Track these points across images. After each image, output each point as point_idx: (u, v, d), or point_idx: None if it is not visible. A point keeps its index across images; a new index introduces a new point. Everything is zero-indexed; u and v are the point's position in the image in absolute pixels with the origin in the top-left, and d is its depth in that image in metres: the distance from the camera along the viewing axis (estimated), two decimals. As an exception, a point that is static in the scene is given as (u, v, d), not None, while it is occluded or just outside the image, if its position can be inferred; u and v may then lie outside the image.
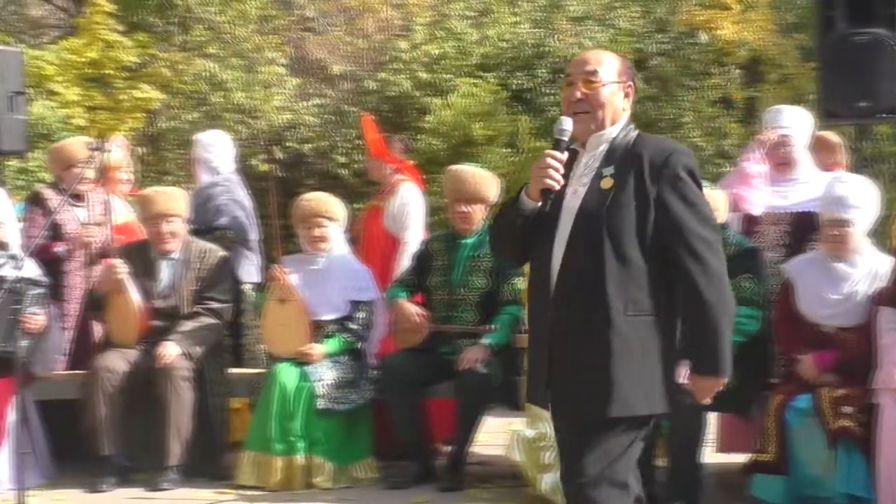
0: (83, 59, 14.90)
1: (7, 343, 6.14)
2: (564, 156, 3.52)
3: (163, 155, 14.72)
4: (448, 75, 13.48)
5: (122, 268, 6.49)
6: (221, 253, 6.79)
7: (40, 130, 13.59)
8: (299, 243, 6.82)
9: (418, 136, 12.26)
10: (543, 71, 13.38)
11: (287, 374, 6.32)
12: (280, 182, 7.64)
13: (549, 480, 5.67)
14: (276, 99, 13.51)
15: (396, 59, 13.91)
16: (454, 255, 6.60)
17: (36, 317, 6.35)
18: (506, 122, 12.37)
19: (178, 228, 6.65)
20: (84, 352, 6.83)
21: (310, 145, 13.28)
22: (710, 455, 6.18)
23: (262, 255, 7.63)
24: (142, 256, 6.68)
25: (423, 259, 6.73)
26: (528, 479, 5.91)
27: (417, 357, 6.47)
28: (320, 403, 6.27)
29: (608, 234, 3.46)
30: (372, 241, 7.49)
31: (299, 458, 6.24)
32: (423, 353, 6.49)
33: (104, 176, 7.20)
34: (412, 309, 6.57)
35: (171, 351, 6.37)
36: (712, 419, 6.09)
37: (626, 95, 3.67)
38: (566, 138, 3.56)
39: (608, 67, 3.63)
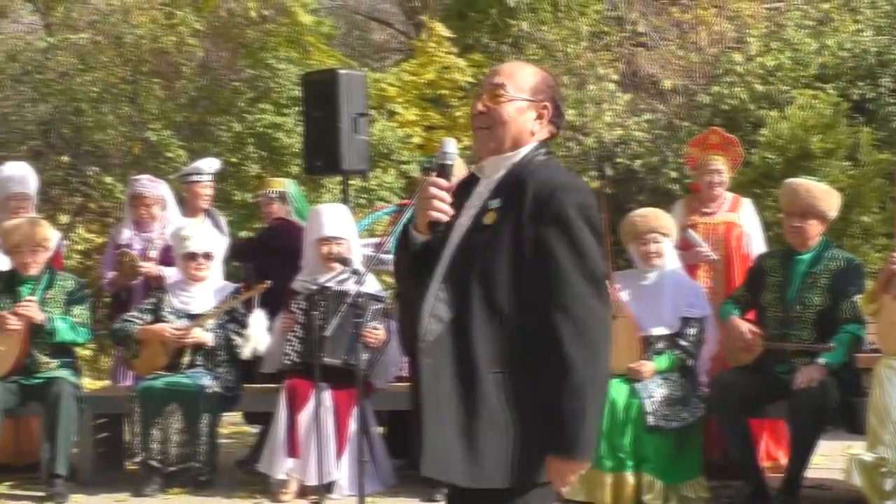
0: (421, 81, 15.46)
1: (349, 356, 6.43)
2: (450, 183, 3.09)
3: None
4: (784, 87, 13.09)
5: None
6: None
7: (381, 150, 14.19)
8: (631, 259, 6.78)
9: (752, 150, 11.94)
10: (887, 80, 12.76)
11: (617, 391, 6.29)
12: (610, 198, 7.62)
13: (892, 509, 5.40)
14: (607, 115, 13.52)
15: (730, 71, 13.63)
16: (790, 272, 6.39)
17: (376, 331, 6.61)
18: (846, 134, 11.86)
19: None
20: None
21: (640, 161, 13.21)
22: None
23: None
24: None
25: (757, 275, 6.55)
26: (870, 506, 5.65)
27: (750, 375, 6.30)
28: (650, 420, 6.21)
29: (479, 275, 2.99)
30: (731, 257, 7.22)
31: (628, 476, 6.20)
32: (757, 372, 6.32)
33: None
34: (745, 326, 6.41)
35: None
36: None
37: (540, 117, 3.16)
38: (450, 162, 3.14)
39: (521, 82, 3.15)
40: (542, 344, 2.95)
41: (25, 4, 15.68)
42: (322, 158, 7.97)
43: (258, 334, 6.92)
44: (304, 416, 6.46)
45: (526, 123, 3.14)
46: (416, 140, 14.99)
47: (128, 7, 16.11)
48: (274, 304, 7.08)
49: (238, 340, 6.93)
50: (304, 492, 6.49)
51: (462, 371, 2.98)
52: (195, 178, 7.98)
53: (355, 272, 6.36)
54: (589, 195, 3.07)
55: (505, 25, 14.93)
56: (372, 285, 6.86)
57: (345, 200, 8.12)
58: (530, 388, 2.97)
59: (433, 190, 3.06)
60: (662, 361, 6.41)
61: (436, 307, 3.03)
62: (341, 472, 6.47)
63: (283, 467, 6.48)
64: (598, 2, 15.75)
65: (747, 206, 7.29)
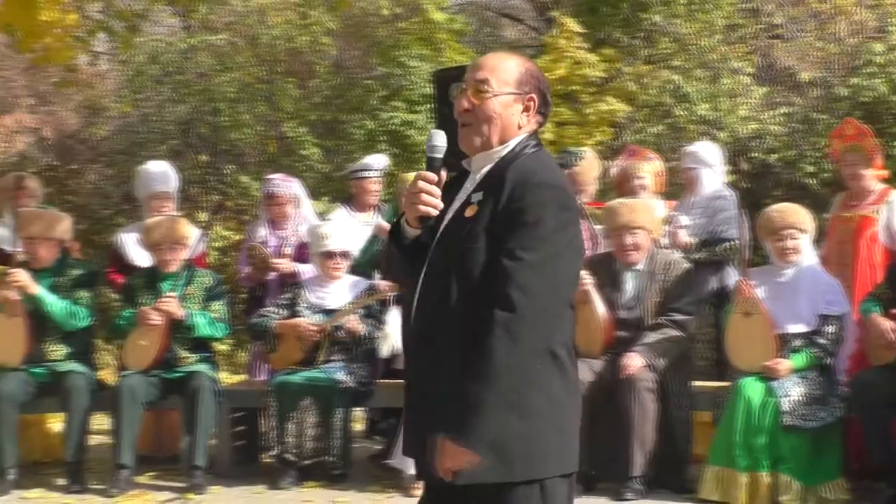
0: (552, 76, 15.41)
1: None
2: (438, 176, 3.05)
3: (628, 168, 14.88)
4: (928, 77, 12.71)
5: (587, 279, 6.62)
6: (686, 265, 6.77)
7: (512, 146, 14.16)
8: (767, 255, 6.66)
9: (894, 143, 11.62)
10: None
11: (752, 389, 6.19)
12: (745, 193, 7.50)
13: None
14: (742, 109, 13.29)
15: (870, 62, 13.28)
16: (934, 269, 6.20)
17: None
18: None
19: (641, 240, 6.68)
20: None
21: (776, 155, 12.95)
22: None
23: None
24: (607, 268, 6.78)
25: (899, 272, 6.38)
26: None
27: (893, 374, 6.13)
28: (787, 420, 6.09)
29: (458, 270, 2.95)
30: (858, 252, 7.04)
31: (764, 476, 6.09)
32: (898, 371, 6.15)
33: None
34: (887, 324, 6.24)
35: (634, 362, 6.42)
36: None
37: (526, 109, 3.12)
38: (438, 155, 3.08)
39: (504, 76, 3.09)
40: (477, 329, 2.88)
41: (165, 7, 16.05)
42: (454, 156, 7.98)
43: (395, 332, 6.98)
44: (437, 412, 6.49)
45: (513, 117, 3.11)
46: (547, 136, 14.95)
47: (264, 8, 16.41)
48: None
49: (376, 337, 7.01)
50: (436, 487, 6.52)
51: (453, 364, 2.92)
52: (364, 174, 8.04)
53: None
54: (564, 192, 3.01)
55: (637, 19, 14.78)
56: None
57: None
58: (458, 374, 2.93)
59: (422, 184, 3.02)
60: (799, 359, 6.29)
61: (422, 302, 3.03)
62: (473, 467, 6.48)
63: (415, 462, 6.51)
64: (733, -7, 15.50)
65: (893, 198, 7.02)
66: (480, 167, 3.12)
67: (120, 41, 10.04)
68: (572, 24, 15.30)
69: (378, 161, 8.24)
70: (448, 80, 8.25)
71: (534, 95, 3.14)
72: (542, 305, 2.89)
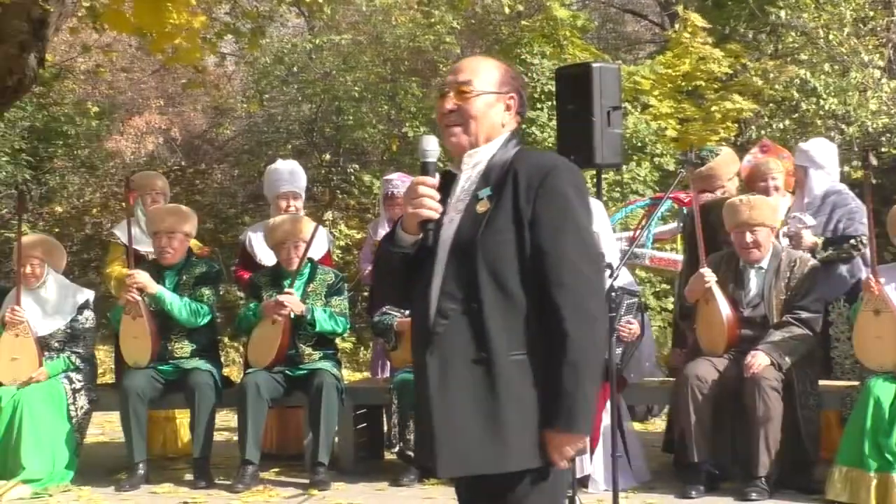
0: (676, 73, 15.25)
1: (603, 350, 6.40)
2: (436, 180, 3.10)
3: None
4: None
5: (710, 276, 6.54)
6: (812, 262, 6.64)
7: (634, 143, 14.09)
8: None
9: None
10: None
11: (882, 389, 6.05)
12: (875, 189, 7.32)
13: None
14: (872, 103, 12.97)
15: None
16: None
17: (630, 325, 6.57)
18: None
19: (762, 238, 6.56)
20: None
21: (908, 149, 12.62)
22: None
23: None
24: (731, 265, 6.69)
25: None
26: None
27: None
28: (918, 420, 5.93)
29: (485, 263, 3.01)
30: None
31: (895, 477, 5.94)
32: None
33: (700, 185, 7.32)
34: None
35: (760, 361, 6.32)
36: None
37: (508, 108, 3.20)
38: (433, 159, 3.13)
39: (486, 77, 3.18)
40: (547, 321, 3.01)
41: (291, 8, 16.29)
42: (576, 152, 7.93)
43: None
44: (558, 410, 6.48)
45: (496, 116, 3.20)
46: (671, 133, 14.81)
47: (388, 8, 16.55)
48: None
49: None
50: (557, 485, 6.51)
51: (479, 360, 3.02)
52: None
53: (608, 266, 6.32)
54: (580, 174, 3.14)
55: (763, 13, 14.54)
56: (625, 279, 6.82)
57: (598, 194, 8.08)
58: (534, 365, 3.03)
59: (422, 189, 3.08)
60: None
61: (441, 303, 3.06)
62: (595, 466, 6.46)
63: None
64: (863, -15, 15.14)
65: None
66: (471, 166, 3.19)
67: (246, 42, 10.23)
68: (697, 20, 15.12)
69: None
70: (570, 77, 8.27)
71: (514, 95, 3.24)
72: (595, 284, 3.07)
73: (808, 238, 6.97)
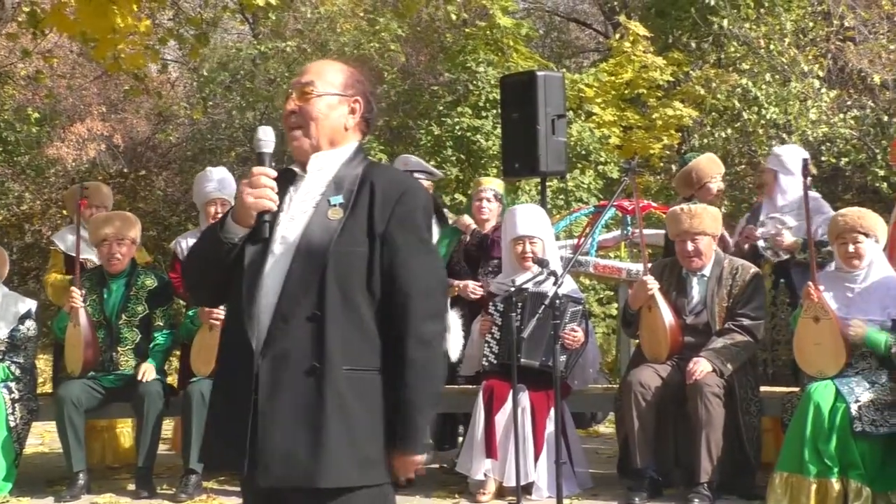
0: (619, 81, 15.37)
1: (547, 358, 6.44)
2: (274, 171, 3.05)
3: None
4: None
5: (653, 284, 6.59)
6: (754, 269, 6.71)
7: (579, 151, 14.16)
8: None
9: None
10: None
11: (821, 395, 6.12)
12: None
13: None
14: (812, 112, 13.15)
15: (943, 64, 13.09)
16: None
17: (574, 332, 6.61)
18: None
19: (703, 246, 6.62)
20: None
21: (846, 159, 12.80)
22: None
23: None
24: (673, 273, 6.75)
25: None
26: None
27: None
28: (857, 426, 6.00)
29: (334, 272, 2.96)
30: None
31: (834, 482, 6.01)
32: None
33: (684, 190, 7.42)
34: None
35: (702, 367, 6.37)
36: None
37: (352, 112, 3.17)
38: (269, 150, 3.08)
39: (329, 78, 3.15)
40: (389, 340, 3.00)
41: (236, 15, 16.23)
42: (520, 160, 7.99)
43: (454, 336, 7.00)
44: (502, 418, 6.50)
45: (339, 119, 3.15)
46: (614, 141, 14.91)
47: (333, 15, 16.53)
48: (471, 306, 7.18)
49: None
50: (501, 492, 6.54)
51: (313, 370, 2.96)
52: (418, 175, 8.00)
53: (553, 273, 6.36)
54: (429, 197, 3.19)
55: (705, 23, 14.69)
56: (569, 286, 6.86)
57: (542, 202, 8.13)
58: (381, 383, 3.01)
59: (261, 179, 3.02)
60: (878, 335, 6.14)
61: (283, 306, 2.98)
62: (539, 473, 6.48)
63: (481, 468, 6.53)
64: (803, -4, 15.35)
65: None
66: (318, 168, 3.13)
67: (190, 48, 10.18)
68: (639, 28, 15.23)
69: (416, 161, 8.18)
70: (515, 85, 8.29)
71: (359, 98, 3.19)
72: (439, 307, 3.07)
73: (788, 238, 7.03)
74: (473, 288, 7.32)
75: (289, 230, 3.04)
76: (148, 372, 7.00)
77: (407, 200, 3.04)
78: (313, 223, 3.03)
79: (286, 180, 3.13)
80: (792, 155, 7.41)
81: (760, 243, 7.05)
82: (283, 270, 3.00)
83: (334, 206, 3.04)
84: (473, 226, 7.67)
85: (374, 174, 3.10)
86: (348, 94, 3.17)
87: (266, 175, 3.03)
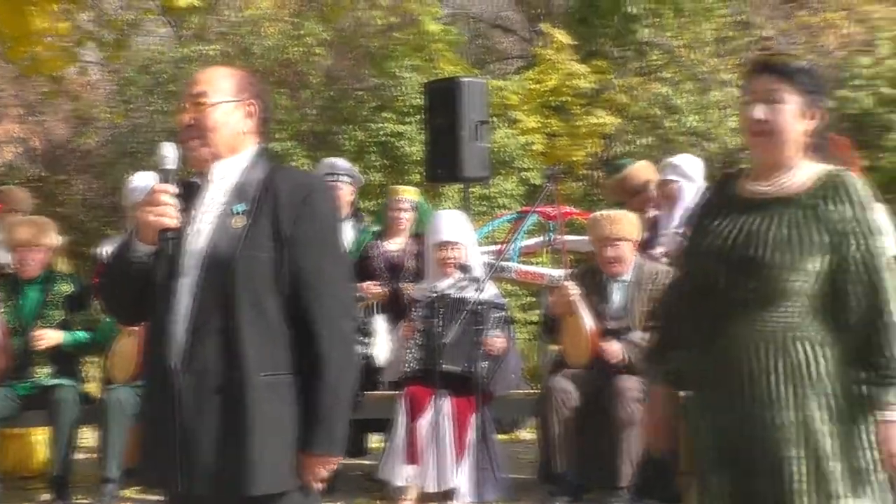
0: (543, 88, 15.45)
1: (469, 363, 6.44)
2: (175, 188, 3.02)
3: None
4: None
5: (574, 290, 6.63)
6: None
7: (502, 157, 14.21)
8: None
9: (881, 154, 11.67)
10: None
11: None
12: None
13: None
14: (731, 121, 13.34)
15: (858, 75, 13.34)
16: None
17: (497, 339, 6.62)
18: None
19: (623, 252, 6.68)
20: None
21: (766, 167, 12.99)
22: None
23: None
24: (594, 278, 6.79)
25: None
26: None
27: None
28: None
29: (242, 280, 2.97)
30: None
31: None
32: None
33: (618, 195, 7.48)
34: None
35: (613, 347, 6.43)
36: None
37: (249, 115, 3.17)
38: (171, 166, 3.06)
39: (220, 86, 3.13)
40: (303, 341, 3.01)
41: (158, 17, 16.06)
42: (443, 166, 8.00)
43: (382, 341, 6.98)
44: (424, 424, 6.50)
45: (237, 125, 3.15)
46: (538, 147, 14.98)
47: (257, 19, 16.42)
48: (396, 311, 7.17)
49: (364, 348, 6.99)
50: (423, 498, 6.52)
51: (231, 379, 2.97)
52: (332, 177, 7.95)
53: (475, 280, 6.37)
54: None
55: (627, 32, 14.83)
56: (491, 292, 6.87)
57: (465, 208, 8.14)
58: (297, 387, 3.02)
59: (162, 196, 3.01)
60: None
61: (196, 319, 2.99)
62: (460, 479, 6.47)
63: (402, 474, 6.52)
64: (723, 7, 15.56)
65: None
66: (220, 177, 3.12)
67: (109, 51, 10.05)
68: (563, 36, 15.32)
69: (343, 164, 8.14)
70: (438, 91, 8.30)
71: (254, 101, 3.19)
72: (350, 306, 3.16)
73: None
74: (369, 285, 7.26)
75: (196, 243, 3.03)
76: (47, 338, 6.86)
77: (312, 202, 3.04)
78: (217, 233, 3.02)
79: (190, 193, 3.11)
80: (691, 163, 7.52)
81: (660, 250, 7.10)
82: (192, 285, 3.00)
83: (237, 214, 3.04)
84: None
85: (277, 178, 3.08)
86: (243, 97, 3.16)
87: (166, 192, 3.00)
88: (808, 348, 3.06)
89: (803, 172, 3.15)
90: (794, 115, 3.11)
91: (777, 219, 3.09)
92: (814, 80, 3.16)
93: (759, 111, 3.10)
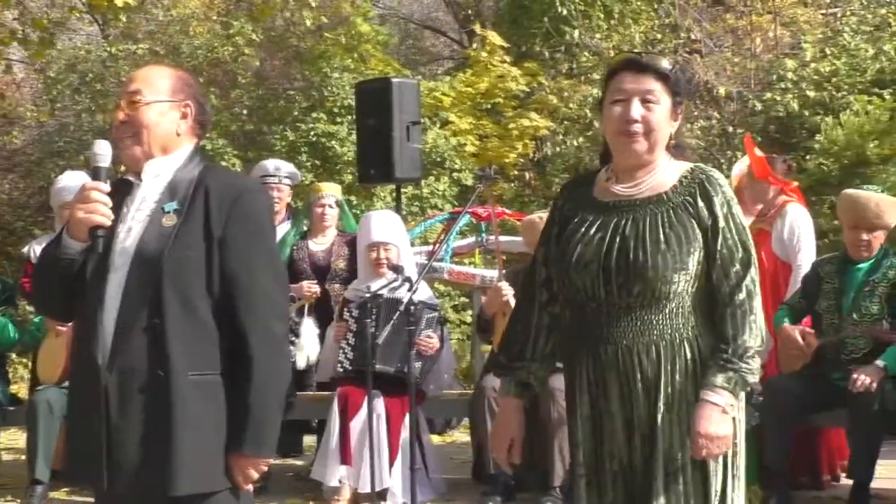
0: (476, 90, 15.49)
1: (402, 364, 6.44)
2: (107, 186, 3.02)
3: (549, 180, 15.04)
4: (840, 93, 12.98)
5: (508, 290, 6.65)
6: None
7: (434, 158, 14.23)
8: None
9: (807, 157, 11.86)
10: (945, 85, 12.63)
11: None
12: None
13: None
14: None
15: (784, 77, 13.54)
16: (846, 279, 6.31)
17: (430, 339, 6.63)
18: (903, 140, 11.72)
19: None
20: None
21: (694, 168, 13.14)
22: None
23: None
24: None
25: (812, 282, 6.48)
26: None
27: (804, 382, 6.22)
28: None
29: (171, 279, 2.96)
30: (759, 265, 7.14)
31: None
32: (811, 379, 6.23)
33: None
34: (796, 332, 6.34)
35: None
36: None
37: (184, 116, 3.16)
38: (104, 164, 3.05)
39: (157, 85, 3.13)
40: (233, 342, 3.01)
41: (84, 16, 15.86)
42: (375, 167, 8.00)
43: (309, 343, 6.97)
44: (357, 424, 6.49)
45: (171, 125, 3.14)
46: (470, 149, 15.02)
47: (186, 18, 16.29)
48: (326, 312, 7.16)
49: (291, 349, 6.96)
50: (356, 499, 6.51)
51: (157, 378, 2.96)
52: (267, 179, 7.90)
53: (407, 280, 6.36)
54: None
55: (558, 33, 14.92)
56: (424, 293, 6.88)
57: (398, 208, 8.15)
58: (227, 387, 3.02)
59: (94, 194, 2.99)
60: None
61: (123, 317, 2.98)
62: (394, 479, 6.47)
63: (335, 474, 6.50)
64: (651, 9, 15.71)
65: (792, 212, 7.04)
66: (153, 176, 3.11)
67: (34, 50, 9.91)
68: (494, 38, 15.37)
69: (287, 167, 8.11)
70: (370, 92, 8.30)
71: (189, 103, 3.17)
72: (281, 307, 3.14)
73: None
74: (308, 286, 7.24)
75: (126, 241, 3.03)
76: None
77: (244, 203, 3.03)
78: (148, 232, 3.02)
79: (123, 191, 3.09)
80: None
81: None
82: (121, 282, 2.99)
83: (168, 212, 3.03)
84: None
85: (210, 177, 3.08)
86: (178, 98, 3.14)
87: (98, 189, 2.99)
88: (696, 348, 3.10)
89: (668, 171, 3.16)
90: (664, 116, 3.12)
91: (650, 219, 3.08)
92: (682, 81, 3.18)
93: (636, 110, 3.09)
